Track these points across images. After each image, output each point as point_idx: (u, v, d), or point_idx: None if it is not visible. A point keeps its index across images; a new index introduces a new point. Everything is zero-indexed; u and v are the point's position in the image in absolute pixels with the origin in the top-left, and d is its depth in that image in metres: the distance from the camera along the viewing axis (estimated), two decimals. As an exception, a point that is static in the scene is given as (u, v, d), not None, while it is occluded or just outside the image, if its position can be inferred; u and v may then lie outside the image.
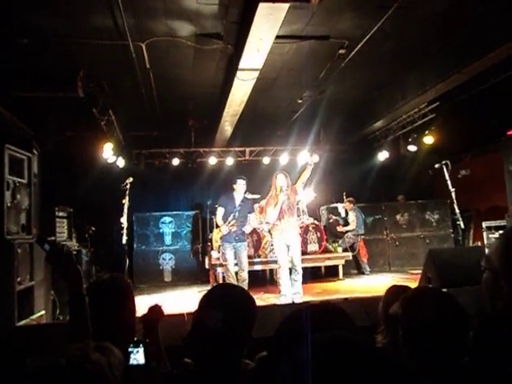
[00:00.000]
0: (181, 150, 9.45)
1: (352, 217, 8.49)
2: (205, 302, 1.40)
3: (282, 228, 5.58)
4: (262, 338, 2.77)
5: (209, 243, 7.90)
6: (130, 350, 1.39)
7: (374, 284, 7.23)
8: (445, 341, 1.25)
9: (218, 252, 8.02)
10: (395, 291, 1.92)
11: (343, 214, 8.75)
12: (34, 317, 3.98)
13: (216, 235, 6.49)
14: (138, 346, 1.40)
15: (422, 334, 1.28)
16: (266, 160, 9.69)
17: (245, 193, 6.33)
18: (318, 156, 8.61)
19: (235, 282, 5.79)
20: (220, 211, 6.19)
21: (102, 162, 7.63)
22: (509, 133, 7.08)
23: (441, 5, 4.04)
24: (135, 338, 1.51)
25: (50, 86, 5.35)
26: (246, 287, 5.58)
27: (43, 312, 4.24)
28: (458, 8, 4.12)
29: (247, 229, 6.16)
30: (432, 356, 1.23)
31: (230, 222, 5.91)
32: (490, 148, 8.08)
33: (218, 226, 6.48)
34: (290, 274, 5.59)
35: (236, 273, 6.12)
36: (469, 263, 3.63)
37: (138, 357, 1.40)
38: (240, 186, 6.25)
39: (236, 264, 6.11)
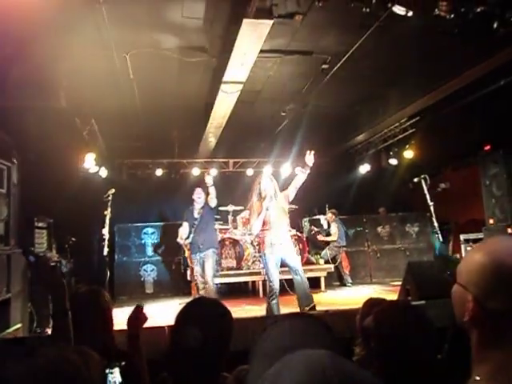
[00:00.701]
0: (164, 160, 9.43)
1: (334, 228, 8.56)
2: (182, 319, 1.40)
3: (271, 241, 4.71)
4: (242, 351, 2.76)
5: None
6: (106, 371, 1.36)
7: (355, 296, 7.27)
8: (413, 353, 1.29)
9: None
10: (371, 304, 1.95)
11: (325, 226, 8.83)
12: (10, 330, 3.89)
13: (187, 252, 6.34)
14: (113, 366, 1.38)
15: (392, 347, 1.31)
16: (249, 172, 9.73)
17: (205, 201, 6.05)
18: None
19: (213, 295, 5.63)
20: (183, 227, 6.12)
21: (84, 171, 7.56)
22: (485, 148, 7.30)
23: (418, 25, 4.18)
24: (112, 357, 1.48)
25: (32, 95, 5.30)
26: (213, 296, 5.45)
27: (20, 325, 4.15)
28: (435, 28, 4.26)
29: (213, 202, 5.92)
30: (401, 368, 1.27)
31: (184, 239, 5.97)
32: (468, 162, 8.29)
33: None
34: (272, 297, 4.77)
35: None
36: (447, 275, 3.71)
37: (115, 376, 1.37)
38: (196, 195, 6.12)
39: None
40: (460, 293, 0.96)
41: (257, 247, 7.91)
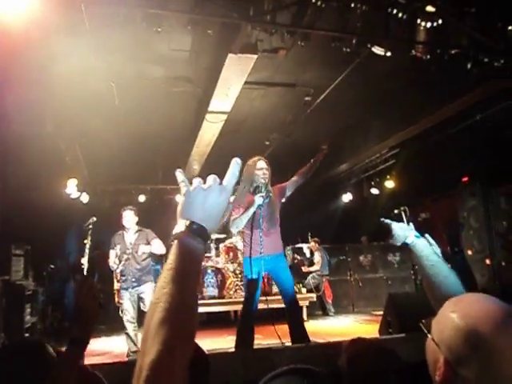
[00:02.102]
0: (147, 186, 9.40)
1: (317, 257, 8.58)
2: None
3: (256, 248, 3.69)
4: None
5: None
6: None
7: (337, 326, 7.24)
8: None
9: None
10: (359, 344, 1.82)
11: (308, 255, 8.84)
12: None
13: (116, 284, 5.15)
14: None
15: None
16: (232, 199, 9.74)
17: (137, 223, 5.10)
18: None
19: (133, 346, 4.71)
20: (111, 254, 4.99)
21: (65, 197, 7.47)
22: (463, 179, 7.50)
23: (397, 62, 4.36)
24: None
25: (18, 120, 5.29)
26: None
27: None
28: (413, 67, 4.45)
29: (143, 249, 4.89)
30: None
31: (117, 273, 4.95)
32: (447, 193, 8.48)
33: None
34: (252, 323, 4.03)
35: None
36: (429, 308, 3.73)
37: None
38: (126, 218, 4.99)
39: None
40: (433, 349, 0.93)
41: (239, 275, 7.87)
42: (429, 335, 0.96)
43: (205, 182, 0.90)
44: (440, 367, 0.89)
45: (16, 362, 1.40)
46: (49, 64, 4.88)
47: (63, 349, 1.45)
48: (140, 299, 4.91)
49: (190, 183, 0.90)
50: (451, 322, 0.90)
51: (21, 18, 3.53)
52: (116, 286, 4.94)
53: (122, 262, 4.86)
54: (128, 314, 4.79)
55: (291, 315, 3.91)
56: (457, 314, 0.90)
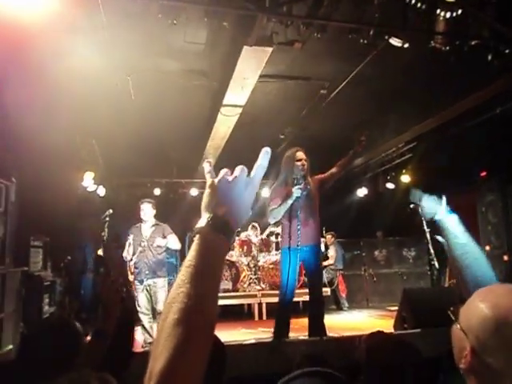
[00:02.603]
0: (163, 180, 9.46)
1: (332, 251, 8.54)
2: None
3: (294, 238, 3.74)
4: (237, 378, 2.73)
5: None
6: None
7: (352, 320, 7.21)
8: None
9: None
10: (379, 338, 1.82)
11: (323, 249, 8.81)
12: (1, 352, 3.84)
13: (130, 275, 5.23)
14: None
15: (383, 380, 1.32)
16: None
17: (155, 216, 5.13)
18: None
19: (149, 337, 4.77)
20: (127, 246, 5.05)
21: (82, 190, 7.57)
22: (482, 174, 7.36)
23: (415, 54, 4.28)
24: None
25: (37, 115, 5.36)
26: None
27: (11, 346, 4.09)
28: (431, 57, 4.37)
29: (159, 242, 4.91)
30: None
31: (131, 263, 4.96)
32: (464, 188, 8.34)
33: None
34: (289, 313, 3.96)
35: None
36: (444, 304, 3.68)
37: None
38: (144, 211, 5.04)
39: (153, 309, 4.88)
40: (459, 337, 0.94)
41: (253, 269, 7.89)
42: (456, 323, 0.96)
43: (232, 173, 0.84)
44: (466, 355, 0.90)
45: (53, 335, 1.47)
46: (65, 58, 4.92)
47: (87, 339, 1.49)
48: (152, 295, 4.88)
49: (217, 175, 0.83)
50: (480, 312, 0.91)
51: (38, 13, 3.57)
52: (130, 277, 4.99)
53: (136, 254, 4.88)
54: (142, 305, 4.83)
55: (314, 309, 3.95)
56: (486, 304, 0.92)
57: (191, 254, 0.74)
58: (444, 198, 1.59)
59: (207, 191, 0.82)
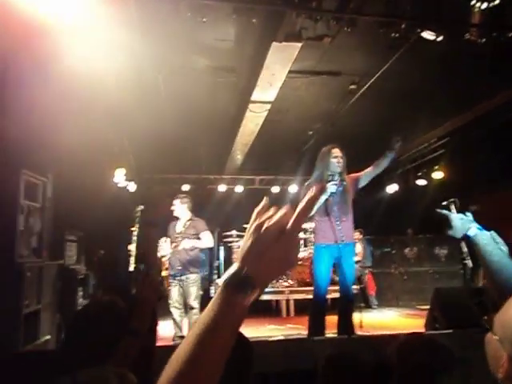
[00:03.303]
0: (191, 176, 9.57)
1: (359, 248, 8.43)
2: None
3: (328, 235, 3.78)
4: (264, 374, 2.75)
5: (215, 271, 7.90)
6: None
7: (381, 319, 7.12)
8: None
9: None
10: (412, 341, 1.73)
11: (352, 246, 8.72)
12: (39, 341, 4.00)
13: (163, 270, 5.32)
14: None
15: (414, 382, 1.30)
16: (275, 189, 9.76)
17: (191, 211, 5.21)
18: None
19: (179, 331, 4.92)
20: (161, 242, 5.29)
21: (113, 186, 7.75)
22: (519, 170, 7.08)
23: (448, 47, 4.15)
24: None
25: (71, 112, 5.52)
26: None
27: (49, 337, 4.26)
28: (465, 50, 4.23)
29: (186, 244, 4.95)
30: None
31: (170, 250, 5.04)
32: (501, 185, 8.05)
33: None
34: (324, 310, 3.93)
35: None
36: (477, 304, 3.59)
37: None
38: (176, 207, 5.17)
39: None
40: (495, 346, 0.93)
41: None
42: (491, 332, 0.95)
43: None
44: (503, 364, 0.89)
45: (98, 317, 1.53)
46: (96, 56, 5.04)
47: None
48: (185, 289, 4.96)
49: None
50: None
51: (70, 11, 3.66)
52: (164, 272, 5.06)
53: (170, 250, 4.99)
54: (174, 300, 4.94)
55: (344, 307, 3.94)
56: None
57: (208, 307, 0.68)
58: (471, 215, 1.58)
59: (246, 235, 0.72)
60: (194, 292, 4.91)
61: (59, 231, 5.33)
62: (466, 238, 1.53)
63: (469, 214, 1.60)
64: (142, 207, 5.23)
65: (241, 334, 1.49)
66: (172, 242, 5.04)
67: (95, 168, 7.25)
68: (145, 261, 5.45)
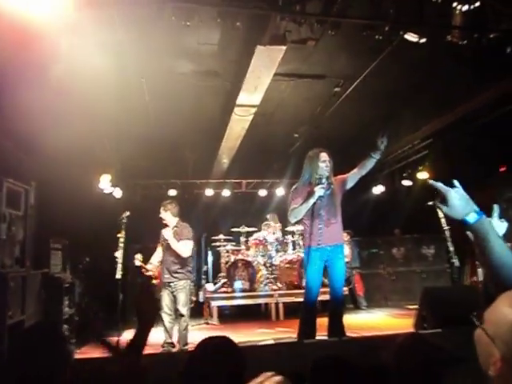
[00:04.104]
0: (178, 181, 9.50)
1: (347, 249, 8.47)
2: (187, 373, 1.36)
3: (318, 237, 3.75)
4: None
5: (203, 276, 7.84)
6: None
7: (370, 320, 7.14)
8: None
9: (214, 284, 7.93)
10: (412, 342, 1.63)
11: (340, 248, 8.75)
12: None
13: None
14: None
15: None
16: (262, 192, 9.75)
17: (178, 216, 5.18)
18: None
19: (168, 337, 4.93)
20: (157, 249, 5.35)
21: (99, 192, 7.65)
22: (501, 169, 7.21)
23: (431, 49, 4.21)
24: None
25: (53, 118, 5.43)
26: (186, 336, 4.87)
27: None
28: (447, 52, 4.29)
29: (167, 234, 4.94)
30: None
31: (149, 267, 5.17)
32: (483, 184, 8.18)
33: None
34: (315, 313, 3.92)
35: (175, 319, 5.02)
36: (464, 302, 3.62)
37: None
38: (162, 215, 5.13)
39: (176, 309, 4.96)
40: (486, 343, 0.91)
41: (269, 268, 7.87)
42: (481, 328, 0.93)
43: None
44: (496, 362, 0.87)
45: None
46: (79, 61, 4.97)
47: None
48: (175, 295, 4.92)
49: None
50: (508, 318, 0.88)
51: (53, 16, 3.60)
52: (154, 280, 5.11)
53: (161, 256, 5.03)
54: (165, 305, 4.89)
55: (335, 309, 3.94)
56: None
57: None
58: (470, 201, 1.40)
59: None
60: (183, 298, 4.89)
61: (43, 239, 5.24)
62: (464, 224, 1.35)
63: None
64: (127, 213, 5.16)
65: (234, 345, 1.47)
66: (162, 249, 5.10)
67: (80, 174, 7.15)
68: (141, 273, 5.39)
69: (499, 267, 1.27)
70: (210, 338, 1.54)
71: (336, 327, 3.74)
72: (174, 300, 4.94)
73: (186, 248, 4.93)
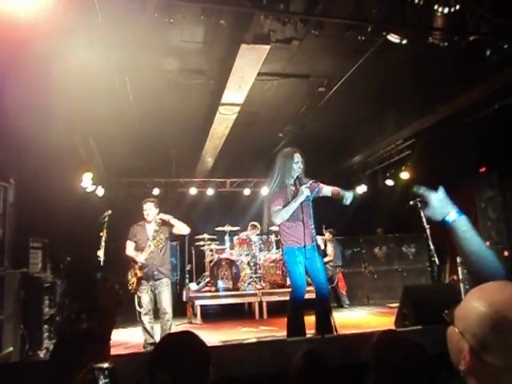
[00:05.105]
0: (161, 179, 9.44)
1: (330, 248, 8.54)
2: (152, 364, 1.37)
3: (299, 238, 3.83)
4: (237, 378, 2.71)
5: (187, 275, 7.80)
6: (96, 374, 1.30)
7: (352, 318, 7.21)
8: None
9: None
10: (389, 339, 1.65)
11: (322, 247, 8.80)
12: (1, 354, 3.82)
13: (133, 272, 4.99)
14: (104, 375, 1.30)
15: (391, 381, 1.31)
16: (246, 191, 9.75)
17: (158, 214, 5.04)
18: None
19: (149, 338, 4.86)
20: (128, 245, 5.07)
21: (81, 190, 7.54)
22: (481, 170, 7.35)
23: (413, 50, 4.27)
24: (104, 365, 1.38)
25: (31, 115, 5.33)
26: (168, 330, 4.77)
27: (11, 348, 4.08)
28: (429, 54, 4.35)
29: (165, 217, 4.90)
30: None
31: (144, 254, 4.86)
32: (463, 184, 8.33)
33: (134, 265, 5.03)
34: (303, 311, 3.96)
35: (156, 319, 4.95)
36: (444, 300, 3.68)
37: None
38: (147, 211, 5.02)
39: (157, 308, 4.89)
40: (456, 338, 0.92)
41: (253, 267, 7.88)
42: (452, 325, 0.94)
43: None
44: (465, 356, 0.88)
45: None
46: (61, 58, 4.89)
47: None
48: (156, 294, 4.89)
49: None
50: (476, 310, 0.90)
51: (32, 11, 3.54)
52: (138, 273, 4.86)
53: (146, 254, 4.87)
54: (145, 306, 4.85)
55: (322, 306, 3.94)
56: (481, 302, 0.90)
57: None
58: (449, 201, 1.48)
59: None
60: (167, 296, 4.86)
61: (22, 238, 5.13)
62: (445, 223, 1.44)
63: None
64: (109, 212, 5.10)
65: (196, 339, 1.46)
66: (144, 246, 4.93)
67: (61, 172, 7.03)
68: (100, 268, 5.26)
69: (475, 262, 1.36)
70: (172, 334, 1.58)
71: (324, 324, 3.77)
72: (154, 299, 4.90)
73: (185, 225, 4.97)
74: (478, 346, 0.87)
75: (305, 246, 3.84)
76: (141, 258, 4.88)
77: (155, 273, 4.87)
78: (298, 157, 3.98)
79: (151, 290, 4.90)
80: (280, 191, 3.96)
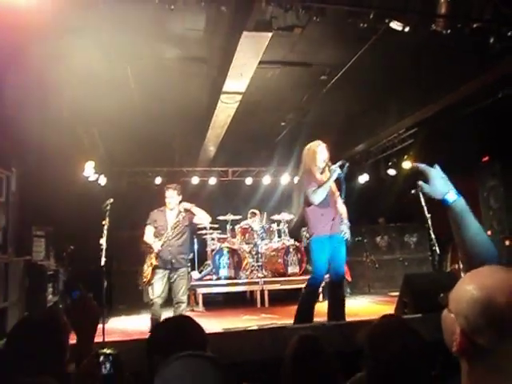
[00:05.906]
0: (164, 168, 9.45)
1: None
2: (149, 347, 1.39)
3: (329, 223, 3.90)
4: (240, 364, 2.75)
5: (189, 263, 7.84)
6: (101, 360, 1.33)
7: (353, 306, 7.24)
8: (408, 373, 1.30)
9: (200, 273, 7.93)
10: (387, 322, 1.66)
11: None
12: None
13: (149, 261, 4.84)
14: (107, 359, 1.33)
15: (386, 367, 1.32)
16: (248, 180, 9.76)
17: (180, 202, 4.95)
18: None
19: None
20: (148, 231, 4.94)
21: (83, 179, 7.57)
22: (483, 159, 7.33)
23: (416, 38, 4.23)
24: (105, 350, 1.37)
25: (34, 104, 5.34)
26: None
27: (16, 334, 4.13)
28: (432, 42, 4.31)
29: (187, 206, 4.81)
30: None
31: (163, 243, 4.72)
32: (465, 173, 8.31)
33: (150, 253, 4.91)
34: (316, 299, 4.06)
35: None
36: (444, 288, 3.70)
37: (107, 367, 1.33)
38: (169, 198, 4.91)
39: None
40: (450, 321, 0.95)
41: (255, 256, 7.91)
42: (446, 309, 0.97)
43: None
44: (457, 338, 0.91)
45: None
46: (64, 47, 4.88)
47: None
48: (173, 283, 4.76)
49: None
50: (468, 293, 0.93)
51: (33, 3, 3.53)
52: (154, 262, 4.75)
53: (163, 241, 4.76)
54: (156, 291, 4.72)
55: (336, 295, 4.08)
56: (473, 286, 0.93)
57: None
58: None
59: None
60: (184, 286, 4.76)
61: (26, 226, 5.18)
62: (444, 203, 1.44)
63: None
64: (111, 200, 5.12)
65: (196, 325, 1.48)
66: (163, 232, 4.80)
67: (64, 161, 7.05)
68: (75, 283, 5.20)
69: (473, 246, 1.37)
70: (169, 318, 1.63)
71: (337, 311, 3.91)
72: (168, 288, 4.79)
73: (207, 214, 4.93)
74: (469, 329, 0.90)
75: (332, 235, 3.93)
76: (158, 244, 4.74)
77: (173, 261, 4.75)
78: (322, 149, 4.19)
79: (167, 278, 4.77)
80: (311, 175, 4.08)
